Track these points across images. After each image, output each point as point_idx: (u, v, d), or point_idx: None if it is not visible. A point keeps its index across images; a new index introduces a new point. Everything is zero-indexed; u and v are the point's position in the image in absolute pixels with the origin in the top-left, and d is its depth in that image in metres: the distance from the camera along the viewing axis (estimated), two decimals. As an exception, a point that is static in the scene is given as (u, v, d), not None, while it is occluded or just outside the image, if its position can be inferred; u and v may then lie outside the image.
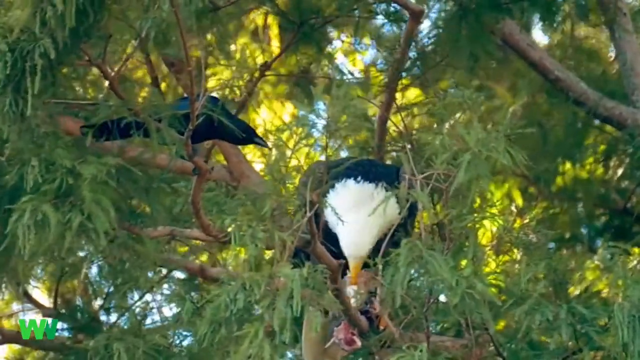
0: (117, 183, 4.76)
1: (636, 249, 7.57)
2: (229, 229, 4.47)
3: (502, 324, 5.21)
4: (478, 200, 4.68)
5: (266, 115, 8.58)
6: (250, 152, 8.06)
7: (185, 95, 6.02)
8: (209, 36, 6.88)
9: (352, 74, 7.51)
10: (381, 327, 4.97)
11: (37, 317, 7.83)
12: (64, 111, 5.46)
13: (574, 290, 5.13)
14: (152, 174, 5.14)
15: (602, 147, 8.34)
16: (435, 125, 4.74)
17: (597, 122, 8.01)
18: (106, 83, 5.26)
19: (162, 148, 4.97)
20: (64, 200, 4.65)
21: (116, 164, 4.77)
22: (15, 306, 8.16)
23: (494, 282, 4.51)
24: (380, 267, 4.63)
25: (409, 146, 5.02)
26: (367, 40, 7.86)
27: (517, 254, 4.95)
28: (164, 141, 4.85)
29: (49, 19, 4.59)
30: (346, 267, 4.84)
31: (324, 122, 4.57)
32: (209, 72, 7.21)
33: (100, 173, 4.65)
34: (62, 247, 4.62)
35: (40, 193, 4.63)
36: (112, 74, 5.04)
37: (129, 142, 5.29)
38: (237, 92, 6.91)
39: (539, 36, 8.29)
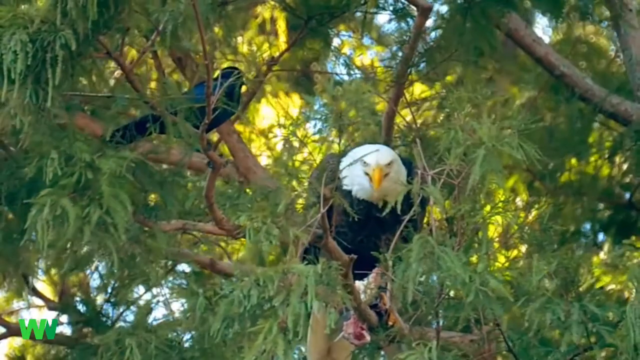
0: (133, 177, 4.75)
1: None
2: (243, 225, 4.46)
3: (510, 320, 5.21)
4: (488, 196, 4.68)
5: (270, 111, 8.59)
6: (256, 147, 8.08)
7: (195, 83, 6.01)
8: (216, 30, 6.87)
9: (359, 68, 7.49)
10: (390, 323, 4.97)
11: (42, 312, 7.85)
12: (74, 106, 5.46)
13: (582, 287, 5.13)
14: (166, 168, 5.13)
15: (608, 143, 8.35)
16: (444, 120, 4.71)
17: (602, 117, 8.00)
18: (116, 77, 5.27)
19: (176, 142, 4.97)
20: (82, 194, 4.64)
21: (134, 158, 4.76)
22: (20, 302, 8.17)
23: (507, 277, 4.50)
24: (390, 263, 4.63)
25: (418, 141, 4.99)
26: (374, 35, 7.87)
27: (525, 250, 4.94)
28: (180, 135, 4.84)
29: (69, 10, 4.59)
30: (355, 262, 4.80)
31: (332, 116, 4.58)
32: (216, 66, 7.21)
33: (120, 167, 4.64)
34: (80, 241, 4.60)
35: (59, 187, 4.62)
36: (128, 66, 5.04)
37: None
38: (244, 87, 6.93)
39: (541, 32, 8.30)
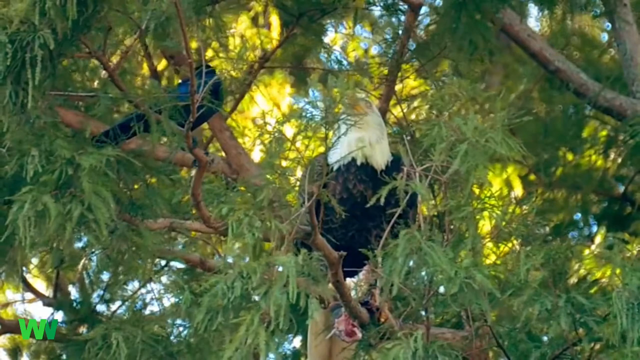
0: (117, 175, 4.75)
1: (633, 237, 7.58)
2: (227, 219, 4.46)
3: (500, 315, 5.20)
4: (479, 190, 4.67)
5: (264, 105, 8.57)
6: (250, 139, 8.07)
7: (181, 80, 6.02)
8: (206, 28, 6.86)
9: (350, 63, 7.48)
10: (382, 320, 4.97)
11: (36, 307, 7.84)
12: (64, 103, 5.47)
13: (573, 279, 5.12)
14: (152, 166, 5.14)
15: (602, 138, 8.35)
16: (433, 116, 4.71)
17: (596, 111, 7.99)
18: (105, 74, 5.28)
19: (162, 140, 4.97)
20: (64, 191, 4.66)
21: (115, 156, 4.76)
22: (14, 295, 8.17)
23: (493, 272, 4.49)
24: (380, 259, 4.62)
25: (408, 137, 4.99)
26: (366, 26, 7.86)
27: (517, 244, 4.93)
28: (164, 133, 4.84)
29: (48, 9, 4.61)
30: (346, 258, 4.80)
31: (321, 113, 4.57)
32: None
33: (100, 164, 4.65)
34: (62, 238, 4.61)
35: (40, 184, 4.64)
36: (112, 65, 5.04)
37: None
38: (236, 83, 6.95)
39: (533, 23, 8.31)
